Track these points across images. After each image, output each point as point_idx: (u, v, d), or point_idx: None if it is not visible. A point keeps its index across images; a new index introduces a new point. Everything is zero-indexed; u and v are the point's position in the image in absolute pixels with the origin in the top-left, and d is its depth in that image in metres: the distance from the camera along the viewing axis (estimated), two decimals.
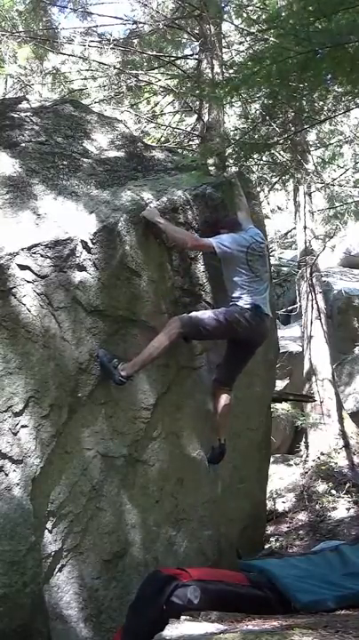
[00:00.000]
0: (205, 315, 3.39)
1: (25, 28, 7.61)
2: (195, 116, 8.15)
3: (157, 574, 2.64)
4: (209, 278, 3.71)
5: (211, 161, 4.91)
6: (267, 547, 5.04)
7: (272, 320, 3.57)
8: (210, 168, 4.42)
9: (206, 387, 3.65)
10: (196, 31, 7.49)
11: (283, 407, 7.56)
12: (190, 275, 3.62)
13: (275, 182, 7.93)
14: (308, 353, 8.15)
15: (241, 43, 7.83)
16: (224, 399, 3.56)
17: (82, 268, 3.07)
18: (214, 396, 3.60)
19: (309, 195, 8.75)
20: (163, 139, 8.82)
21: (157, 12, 8.04)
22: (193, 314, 3.39)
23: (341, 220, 9.00)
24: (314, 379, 7.84)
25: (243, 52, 7.48)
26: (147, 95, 8.95)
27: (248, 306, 3.37)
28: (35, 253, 2.92)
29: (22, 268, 2.87)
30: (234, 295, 3.43)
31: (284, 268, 11.53)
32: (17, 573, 2.54)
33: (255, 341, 3.56)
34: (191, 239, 3.47)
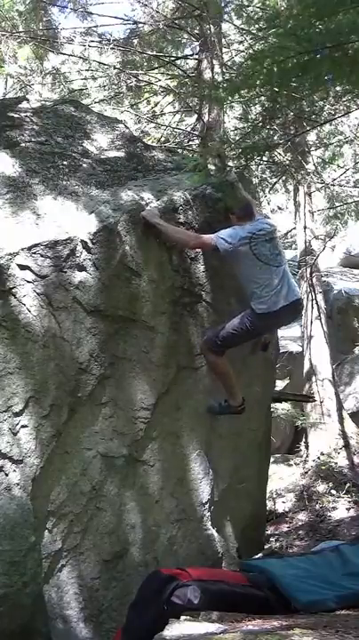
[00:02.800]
0: (225, 332, 3.45)
1: (25, 28, 7.61)
2: (195, 116, 8.16)
3: (157, 574, 2.63)
4: (209, 278, 3.71)
5: (211, 161, 4.91)
6: (267, 547, 5.04)
7: (298, 302, 3.57)
8: (210, 168, 4.42)
9: (206, 387, 3.65)
10: (196, 31, 7.49)
11: (283, 407, 7.56)
12: (190, 275, 3.62)
13: (275, 182, 7.94)
14: (308, 353, 8.15)
15: (241, 42, 7.84)
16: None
17: (82, 268, 3.07)
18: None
19: (309, 195, 8.75)
20: (163, 139, 8.82)
21: (157, 11, 8.04)
22: (213, 334, 3.49)
23: (341, 220, 9.00)
24: (314, 379, 7.84)
25: (243, 51, 7.48)
26: (147, 95, 8.95)
27: (261, 311, 3.39)
28: (35, 253, 2.92)
29: (22, 267, 2.87)
30: (249, 292, 3.48)
31: None
32: (17, 573, 2.54)
33: (288, 323, 3.89)
34: (192, 238, 3.47)
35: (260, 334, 3.75)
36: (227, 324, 3.48)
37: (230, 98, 3.42)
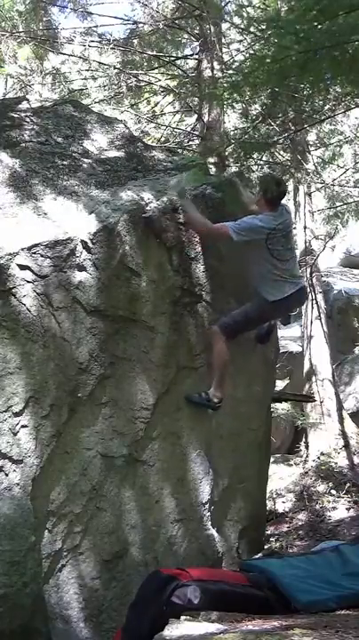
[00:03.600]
0: (239, 315, 3.57)
1: (25, 28, 7.62)
2: (195, 115, 8.16)
3: (157, 574, 2.63)
4: (209, 278, 3.71)
5: (211, 161, 4.91)
6: (267, 547, 5.03)
7: (303, 289, 3.75)
8: (210, 168, 4.42)
9: (206, 386, 3.65)
10: (196, 31, 7.49)
11: (283, 407, 7.56)
12: (190, 275, 3.62)
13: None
14: (308, 353, 8.15)
15: (241, 42, 7.84)
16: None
17: (82, 268, 3.07)
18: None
19: (309, 195, 8.75)
20: (163, 139, 8.82)
21: (157, 11, 8.04)
22: (228, 318, 3.56)
23: (341, 220, 9.01)
24: (314, 379, 7.83)
25: (243, 51, 7.48)
26: (147, 95, 8.95)
27: (273, 299, 3.52)
28: (35, 253, 2.92)
29: (22, 268, 2.87)
30: (257, 279, 3.58)
31: None
32: (17, 573, 2.54)
33: (294, 310, 4.02)
34: (205, 226, 3.49)
35: (270, 319, 3.86)
36: (239, 311, 3.60)
37: (230, 96, 3.42)
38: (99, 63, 7.99)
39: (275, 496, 6.53)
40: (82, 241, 3.08)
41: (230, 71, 6.78)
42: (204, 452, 3.63)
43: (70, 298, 3.02)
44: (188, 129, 9.00)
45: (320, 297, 8.41)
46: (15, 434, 2.71)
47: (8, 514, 2.57)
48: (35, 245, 2.93)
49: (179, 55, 8.48)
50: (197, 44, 7.44)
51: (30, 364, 2.82)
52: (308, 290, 8.25)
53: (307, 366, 8.12)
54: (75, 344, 3.01)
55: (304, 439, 7.82)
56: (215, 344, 3.56)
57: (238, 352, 3.93)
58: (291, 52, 2.69)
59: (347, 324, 10.33)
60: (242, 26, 7.20)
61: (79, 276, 3.06)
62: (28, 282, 2.88)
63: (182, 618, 2.30)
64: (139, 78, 7.97)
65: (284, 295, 3.53)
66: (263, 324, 3.88)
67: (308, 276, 8.32)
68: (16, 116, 4.02)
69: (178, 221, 3.54)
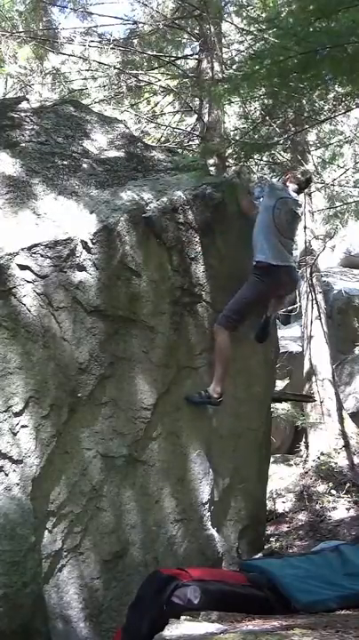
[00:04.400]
0: (235, 303, 3.64)
1: (25, 28, 7.61)
2: (195, 116, 8.15)
3: (157, 574, 2.63)
4: (209, 278, 3.71)
5: (211, 161, 4.91)
6: (267, 547, 5.03)
7: (294, 268, 3.91)
8: (210, 168, 4.42)
9: (206, 386, 3.65)
10: (196, 31, 7.49)
11: (283, 407, 7.55)
12: (190, 275, 3.62)
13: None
14: (308, 353, 8.14)
15: (241, 42, 7.83)
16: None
17: (82, 268, 3.07)
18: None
19: (309, 195, 8.74)
20: (163, 139, 8.81)
21: (157, 11, 8.04)
22: (227, 310, 3.63)
23: (341, 220, 9.00)
24: (314, 379, 7.82)
25: (243, 51, 7.48)
26: (147, 95, 8.94)
27: (260, 260, 3.63)
28: (35, 253, 2.92)
29: (22, 268, 2.87)
30: (254, 245, 3.71)
31: None
32: (17, 573, 2.54)
33: (287, 292, 4.09)
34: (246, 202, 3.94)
35: (265, 296, 3.82)
36: (233, 300, 3.65)
37: (230, 97, 3.42)
38: (99, 63, 7.98)
39: (275, 496, 6.53)
40: (82, 241, 3.08)
41: (230, 71, 6.79)
42: (204, 452, 3.63)
43: (70, 298, 3.02)
44: (188, 129, 8.99)
45: (320, 297, 8.40)
46: (15, 434, 2.71)
47: (8, 514, 2.58)
48: (35, 245, 2.93)
49: (179, 55, 8.47)
50: (197, 44, 7.43)
51: (30, 364, 2.82)
52: (309, 290, 8.28)
53: (307, 366, 8.11)
54: (75, 344, 3.01)
55: (304, 439, 7.82)
56: (217, 338, 3.61)
57: (238, 352, 3.93)
58: (290, 53, 2.69)
59: (347, 324, 10.32)
60: (242, 26, 7.21)
61: (79, 276, 3.06)
62: (28, 282, 2.88)
63: (182, 618, 2.30)
64: (139, 78, 7.96)
65: (277, 263, 3.63)
66: (259, 306, 3.88)
67: (308, 275, 8.31)
68: (16, 115, 4.02)
69: (178, 221, 3.54)
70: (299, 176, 4.01)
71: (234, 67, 6.67)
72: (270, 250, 3.66)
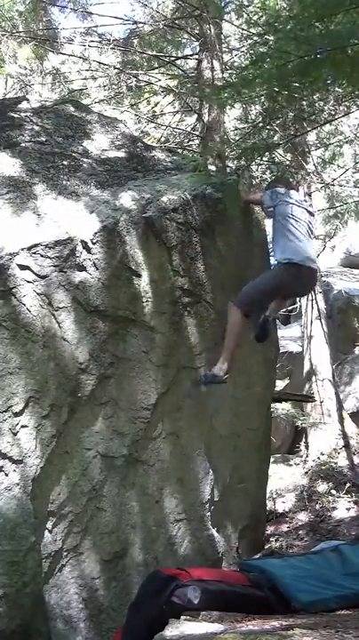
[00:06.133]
0: (253, 287, 3.65)
1: (25, 28, 7.61)
2: (195, 116, 8.15)
3: (157, 574, 2.63)
4: (209, 278, 3.71)
5: (211, 162, 4.91)
6: (267, 547, 5.03)
7: (316, 270, 3.89)
8: (210, 168, 4.42)
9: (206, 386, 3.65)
10: (196, 31, 7.49)
11: (283, 407, 7.56)
12: (190, 275, 3.62)
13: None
14: (308, 353, 8.14)
15: (241, 42, 7.83)
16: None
17: (82, 268, 3.08)
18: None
19: (309, 195, 8.74)
20: (163, 139, 8.81)
21: (157, 12, 8.04)
22: (243, 292, 3.63)
23: (341, 220, 9.00)
24: (314, 379, 7.83)
25: (243, 52, 7.48)
26: (147, 95, 8.94)
27: (285, 260, 3.61)
28: (35, 253, 2.92)
29: (22, 268, 2.87)
30: (276, 248, 3.73)
31: None
32: (17, 573, 2.54)
33: (303, 290, 4.09)
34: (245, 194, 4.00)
35: (284, 288, 3.81)
36: (251, 284, 3.67)
37: (231, 100, 3.42)
38: (99, 63, 7.98)
39: (275, 496, 6.53)
40: (82, 241, 3.08)
41: (230, 71, 6.79)
42: (204, 451, 3.63)
43: (70, 298, 3.02)
44: (188, 129, 8.98)
45: (320, 297, 8.40)
46: (15, 434, 2.71)
47: (8, 514, 2.58)
48: (35, 245, 2.93)
49: (179, 55, 8.47)
50: (197, 44, 7.43)
51: (30, 364, 2.82)
52: (308, 295, 8.27)
53: (307, 366, 8.12)
54: (75, 344, 3.02)
55: (304, 439, 7.82)
56: (230, 316, 3.60)
57: (238, 352, 3.93)
58: (291, 56, 2.69)
59: (347, 324, 10.32)
60: (242, 26, 7.21)
61: (79, 276, 3.06)
62: (28, 282, 2.88)
63: (182, 618, 2.29)
64: (139, 78, 7.95)
65: (299, 260, 3.60)
66: (275, 297, 3.91)
67: None
68: (16, 116, 4.02)
69: (178, 221, 3.55)
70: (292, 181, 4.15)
71: (234, 70, 6.68)
72: (294, 250, 3.65)
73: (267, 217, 4.20)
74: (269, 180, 7.75)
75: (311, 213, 3.98)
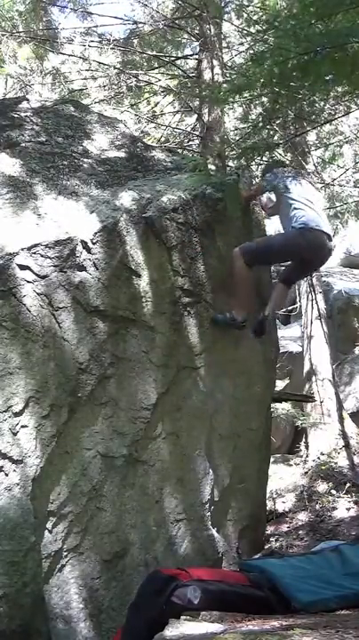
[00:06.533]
0: (264, 240, 3.72)
1: (25, 28, 7.61)
2: (195, 116, 8.15)
3: (157, 574, 2.63)
4: (209, 278, 3.71)
5: (211, 161, 4.91)
6: (267, 547, 5.03)
7: (330, 238, 3.84)
8: (210, 167, 4.42)
9: (206, 387, 3.65)
10: (196, 31, 7.49)
11: (283, 407, 7.55)
12: (190, 275, 3.62)
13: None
14: (308, 353, 8.14)
15: (241, 40, 7.84)
16: (280, 287, 3.92)
17: (82, 268, 3.07)
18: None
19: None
20: (163, 139, 8.81)
21: (157, 11, 8.04)
22: (254, 241, 3.68)
23: (341, 220, 9.00)
24: (314, 379, 7.83)
25: (243, 52, 7.48)
26: (147, 95, 8.94)
27: (300, 225, 3.59)
28: (35, 253, 2.92)
29: (22, 268, 2.87)
30: (289, 221, 3.70)
31: None
32: (17, 573, 2.54)
33: (316, 260, 3.89)
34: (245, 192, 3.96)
35: (292, 254, 3.77)
36: (264, 238, 3.73)
37: (231, 99, 3.43)
38: (99, 63, 7.98)
39: (275, 496, 6.53)
40: (82, 241, 3.08)
41: (230, 71, 6.79)
42: (204, 452, 3.63)
43: (70, 298, 3.02)
44: (188, 129, 8.99)
45: (320, 297, 8.40)
46: (15, 434, 2.71)
47: (8, 514, 2.58)
48: (35, 245, 2.93)
49: (179, 55, 8.47)
50: (197, 44, 7.43)
51: (30, 364, 2.82)
52: (309, 290, 8.28)
53: (307, 366, 8.12)
54: (75, 344, 3.02)
55: (304, 439, 7.82)
56: (235, 263, 3.64)
57: (238, 352, 3.93)
58: (290, 54, 2.69)
59: (347, 324, 10.32)
60: (242, 25, 7.21)
61: (79, 276, 3.06)
62: (28, 282, 2.88)
63: (182, 618, 2.29)
64: (139, 78, 7.96)
65: (314, 225, 3.58)
66: (282, 259, 3.92)
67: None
68: (16, 115, 4.02)
69: (178, 221, 3.54)
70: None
71: (234, 68, 6.68)
72: (307, 216, 3.64)
73: (268, 215, 4.21)
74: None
75: (315, 187, 4.02)
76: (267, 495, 5.16)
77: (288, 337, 9.74)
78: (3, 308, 2.78)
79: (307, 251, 3.64)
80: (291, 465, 7.51)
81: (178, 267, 3.55)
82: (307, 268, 4.13)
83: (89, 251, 3.10)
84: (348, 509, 5.88)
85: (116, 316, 3.21)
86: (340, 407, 7.65)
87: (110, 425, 3.16)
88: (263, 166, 4.44)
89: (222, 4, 7.40)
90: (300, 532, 5.73)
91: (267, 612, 2.45)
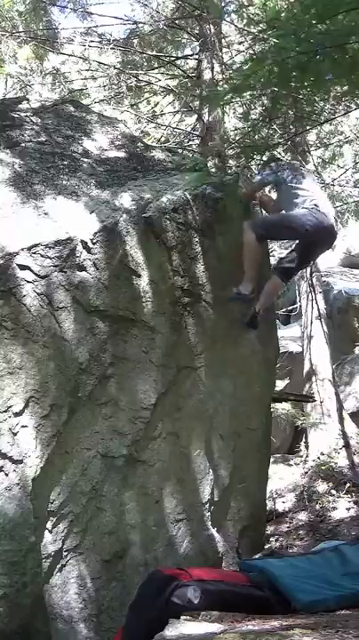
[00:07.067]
0: (276, 216, 3.79)
1: (25, 28, 7.61)
2: (195, 116, 8.15)
3: (157, 574, 2.63)
4: (209, 278, 3.71)
5: (211, 161, 4.91)
6: (267, 547, 5.03)
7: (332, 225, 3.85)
8: (210, 167, 4.43)
9: (206, 387, 3.65)
10: (196, 31, 7.49)
11: (283, 407, 7.55)
12: (190, 275, 3.62)
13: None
14: (308, 353, 8.14)
15: (241, 40, 7.83)
16: (274, 280, 3.91)
17: (82, 268, 3.08)
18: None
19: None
20: (163, 139, 8.81)
21: (157, 11, 8.05)
22: (262, 219, 3.79)
23: (341, 220, 9.00)
24: (314, 379, 7.83)
25: (243, 52, 7.48)
26: (147, 95, 8.94)
27: (314, 206, 3.63)
28: (35, 253, 2.92)
29: (22, 268, 2.87)
30: (300, 206, 3.70)
31: None
32: (17, 573, 2.54)
33: (321, 243, 3.89)
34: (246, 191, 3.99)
35: (302, 232, 3.73)
36: (276, 215, 3.79)
37: (231, 99, 3.43)
38: (99, 63, 7.98)
39: (275, 496, 6.53)
40: (82, 241, 3.08)
41: (230, 71, 6.79)
42: (204, 452, 3.63)
43: (70, 298, 3.02)
44: (188, 129, 8.99)
45: (320, 297, 8.41)
46: (15, 434, 2.71)
47: (8, 514, 2.58)
48: (35, 245, 2.93)
49: (179, 55, 8.47)
50: (197, 44, 7.43)
51: (30, 364, 2.82)
52: (308, 289, 8.29)
53: (307, 366, 8.12)
54: (75, 344, 3.02)
55: (304, 439, 7.82)
56: (244, 237, 3.70)
57: (238, 352, 3.93)
58: (290, 54, 2.69)
59: (347, 324, 10.32)
60: (242, 26, 7.21)
61: (79, 276, 3.06)
62: (28, 282, 2.88)
63: (182, 618, 2.29)
64: (139, 78, 7.95)
65: (323, 210, 3.63)
66: (291, 236, 3.95)
67: (308, 275, 8.32)
68: (16, 115, 4.02)
69: (178, 221, 3.54)
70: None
71: (234, 69, 6.67)
72: (318, 201, 3.69)
73: (269, 215, 4.20)
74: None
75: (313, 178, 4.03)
76: (267, 495, 5.16)
77: (288, 337, 9.74)
78: (3, 308, 2.78)
79: (315, 230, 3.66)
80: (291, 465, 7.51)
81: (178, 267, 3.55)
82: (310, 254, 4.09)
83: (89, 251, 3.10)
84: (348, 509, 5.88)
85: (116, 316, 3.21)
86: (340, 407, 7.65)
87: (110, 425, 3.16)
88: (261, 165, 4.45)
89: (222, 4, 7.39)
90: (300, 531, 5.73)
91: (267, 612, 2.45)
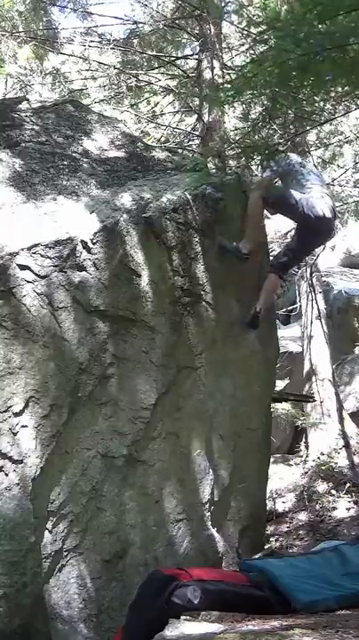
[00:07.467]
0: (288, 193, 3.81)
1: (25, 28, 7.62)
2: (195, 116, 8.15)
3: (157, 574, 2.64)
4: (209, 278, 3.71)
5: (211, 161, 4.92)
6: (267, 547, 5.03)
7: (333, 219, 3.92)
8: (210, 167, 4.43)
9: (206, 387, 3.65)
10: (196, 31, 7.49)
11: (283, 407, 7.55)
12: (190, 275, 3.62)
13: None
14: (308, 353, 8.15)
15: (241, 40, 7.84)
16: (271, 278, 3.96)
17: (82, 268, 3.08)
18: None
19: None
20: (163, 139, 8.81)
21: (157, 12, 8.05)
22: (274, 186, 3.85)
23: (341, 220, 9.00)
24: (314, 379, 7.83)
25: (243, 52, 7.48)
26: (147, 95, 8.94)
27: (318, 195, 3.71)
28: (35, 253, 2.92)
29: (22, 268, 2.87)
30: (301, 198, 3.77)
31: None
32: (17, 573, 2.54)
33: (321, 233, 3.95)
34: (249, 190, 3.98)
35: (305, 215, 3.78)
36: (287, 191, 3.82)
37: (231, 99, 3.43)
38: (99, 63, 7.98)
39: (275, 496, 6.53)
40: (82, 241, 3.08)
41: (231, 72, 6.79)
42: (204, 452, 3.63)
43: (70, 298, 3.02)
44: (188, 129, 8.99)
45: (320, 297, 8.41)
46: (15, 434, 2.71)
47: (8, 514, 2.58)
48: (36, 245, 2.93)
49: (179, 55, 8.47)
50: (197, 44, 7.43)
51: (30, 364, 2.82)
52: (308, 289, 8.29)
53: (307, 366, 8.12)
54: (75, 344, 3.02)
55: (304, 439, 7.83)
56: (250, 197, 3.80)
57: (238, 352, 3.93)
58: (291, 55, 2.69)
59: (347, 324, 10.32)
60: (242, 26, 7.21)
61: (79, 276, 3.06)
62: (28, 282, 2.88)
63: (182, 618, 2.29)
64: (139, 78, 7.96)
65: (329, 201, 3.73)
66: (296, 217, 3.93)
67: (308, 275, 8.32)
68: (16, 115, 4.02)
69: (178, 221, 3.54)
70: None
71: (234, 69, 6.68)
72: (326, 196, 3.78)
73: (270, 214, 4.22)
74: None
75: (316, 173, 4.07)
76: (267, 495, 5.16)
77: (288, 337, 9.74)
78: (3, 308, 2.78)
79: (319, 217, 3.72)
80: (291, 465, 7.51)
81: (178, 267, 3.55)
82: (308, 243, 4.17)
83: (89, 251, 3.10)
84: (348, 509, 5.89)
85: (116, 316, 3.21)
86: (340, 407, 7.65)
87: (110, 425, 3.16)
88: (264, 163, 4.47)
89: (222, 5, 7.40)
90: (300, 531, 5.73)
91: (266, 612, 2.45)
